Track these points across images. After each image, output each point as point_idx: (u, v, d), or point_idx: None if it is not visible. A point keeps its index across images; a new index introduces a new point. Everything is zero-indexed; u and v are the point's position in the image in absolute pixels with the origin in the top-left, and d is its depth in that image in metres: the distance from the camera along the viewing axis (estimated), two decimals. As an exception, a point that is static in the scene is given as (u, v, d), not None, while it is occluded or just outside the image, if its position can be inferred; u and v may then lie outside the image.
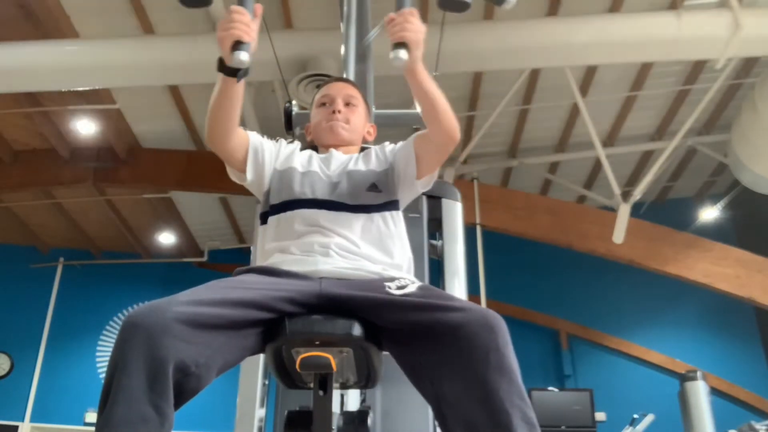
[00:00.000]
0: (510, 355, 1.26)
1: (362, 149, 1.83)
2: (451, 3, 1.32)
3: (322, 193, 1.60)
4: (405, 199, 1.69)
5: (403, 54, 1.28)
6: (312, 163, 1.69)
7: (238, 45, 1.29)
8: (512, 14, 5.05)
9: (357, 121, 1.81)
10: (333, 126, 1.76)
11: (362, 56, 2.65)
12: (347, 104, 1.80)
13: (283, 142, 1.76)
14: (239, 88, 1.46)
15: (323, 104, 1.81)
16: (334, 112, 1.77)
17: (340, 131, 1.76)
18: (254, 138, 1.66)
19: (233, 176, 1.68)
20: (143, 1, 4.86)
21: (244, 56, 1.28)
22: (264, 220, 1.65)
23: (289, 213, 1.59)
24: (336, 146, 1.76)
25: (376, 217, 1.60)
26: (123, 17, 4.89)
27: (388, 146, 1.75)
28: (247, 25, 1.33)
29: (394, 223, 1.62)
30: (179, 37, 4.78)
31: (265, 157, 1.66)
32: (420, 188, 1.68)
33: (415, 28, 1.36)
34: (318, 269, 1.46)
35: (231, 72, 1.41)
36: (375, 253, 1.54)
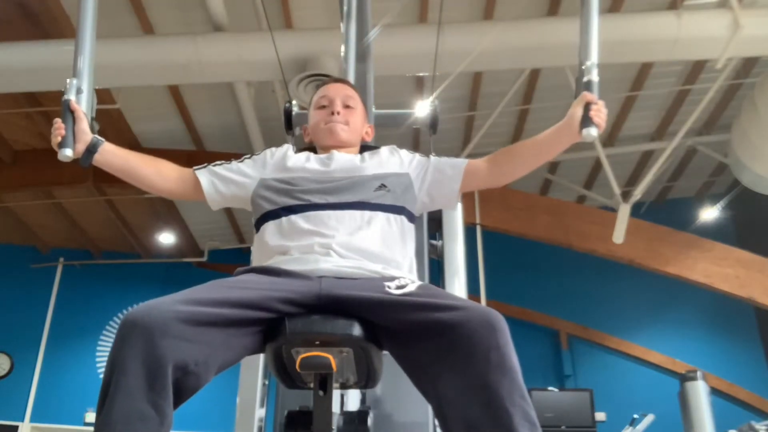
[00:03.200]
0: (511, 353, 1.26)
1: (362, 149, 1.83)
2: None
3: (321, 194, 1.60)
4: (425, 210, 1.80)
5: (595, 132, 1.49)
6: (310, 163, 1.69)
7: (59, 146, 1.56)
8: (512, 14, 5.06)
9: (356, 122, 1.81)
10: (332, 127, 1.75)
11: (362, 56, 2.65)
12: (346, 106, 1.79)
13: (268, 152, 1.76)
14: (106, 162, 1.63)
15: (322, 107, 1.80)
16: (332, 113, 1.77)
17: (339, 132, 1.75)
18: (204, 176, 1.71)
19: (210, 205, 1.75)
20: (143, 1, 4.86)
21: (67, 152, 1.56)
22: (259, 225, 1.64)
23: (290, 217, 1.58)
24: (335, 147, 1.76)
25: (381, 215, 1.59)
26: (123, 17, 4.89)
27: (405, 153, 1.75)
28: (60, 128, 1.56)
29: (398, 225, 1.61)
30: (179, 37, 4.78)
31: (228, 182, 1.71)
32: (453, 206, 1.82)
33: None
34: (318, 267, 1.46)
35: (83, 162, 1.62)
36: (376, 250, 1.53)
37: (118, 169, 1.65)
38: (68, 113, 1.60)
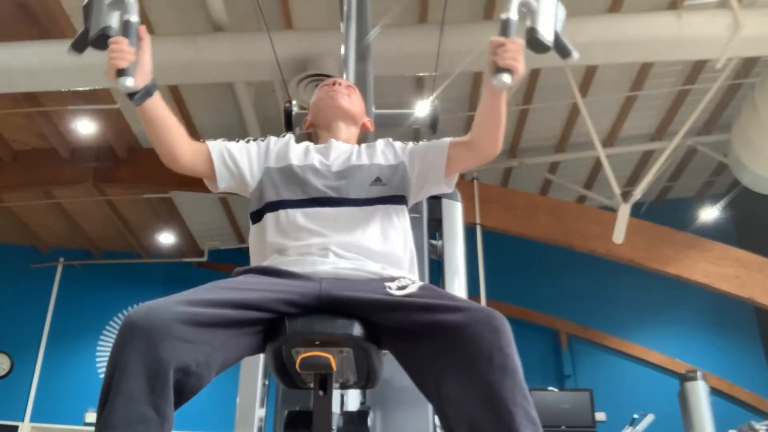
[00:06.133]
0: (513, 354, 1.26)
1: (360, 143, 1.83)
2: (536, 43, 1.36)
3: (320, 189, 1.59)
4: (420, 195, 1.70)
5: (507, 78, 1.34)
6: (309, 155, 1.68)
7: (121, 72, 1.36)
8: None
9: (357, 100, 1.82)
10: (333, 95, 1.77)
11: (362, 56, 2.65)
12: (347, 86, 1.83)
13: (272, 139, 1.74)
14: (153, 109, 1.48)
15: (324, 86, 1.84)
16: (334, 84, 1.80)
17: (341, 100, 1.76)
18: (215, 147, 1.65)
19: (210, 186, 1.68)
20: (143, 1, 4.85)
21: (128, 81, 1.35)
22: (258, 217, 1.63)
23: (288, 211, 1.58)
24: (336, 120, 1.76)
25: (380, 209, 1.59)
26: (123, 17, 4.89)
27: (399, 144, 1.74)
28: (123, 51, 1.37)
29: (398, 218, 1.62)
30: (179, 37, 4.78)
31: (236, 158, 1.65)
32: (446, 187, 1.69)
33: (523, 59, 1.39)
34: (317, 270, 1.46)
35: (132, 97, 1.44)
36: (376, 248, 1.53)
37: (159, 121, 1.51)
38: (135, 39, 1.39)
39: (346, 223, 1.54)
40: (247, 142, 1.71)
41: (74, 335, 7.71)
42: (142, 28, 1.42)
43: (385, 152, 1.71)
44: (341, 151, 1.69)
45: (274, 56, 3.81)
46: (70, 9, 4.77)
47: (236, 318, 1.31)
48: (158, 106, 1.49)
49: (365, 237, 1.54)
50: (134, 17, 1.41)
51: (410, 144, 1.74)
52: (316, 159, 1.66)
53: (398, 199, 1.63)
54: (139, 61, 1.41)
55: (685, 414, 5.53)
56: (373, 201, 1.59)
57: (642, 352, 7.48)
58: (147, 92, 1.44)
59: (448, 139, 1.67)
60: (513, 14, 1.40)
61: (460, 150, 1.63)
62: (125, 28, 1.39)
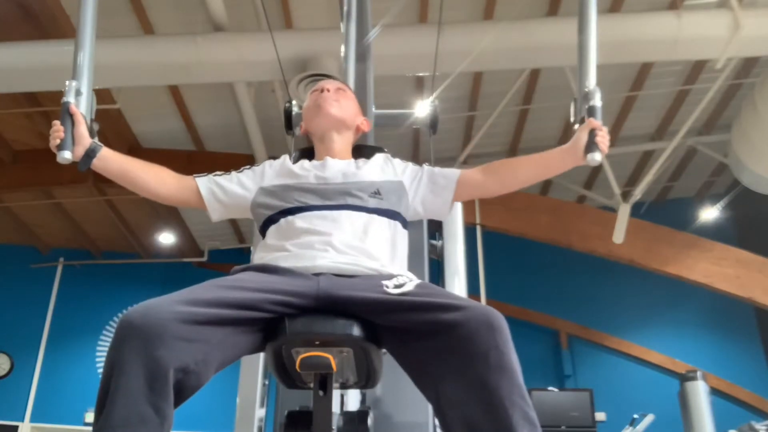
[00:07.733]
0: (510, 353, 1.26)
1: (358, 149, 1.83)
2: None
3: (317, 198, 1.60)
4: (415, 218, 1.73)
5: (599, 157, 1.55)
6: (305, 171, 1.69)
7: (58, 148, 1.58)
8: (512, 14, 5.06)
9: (347, 104, 1.80)
10: (321, 103, 1.76)
11: (362, 56, 2.65)
12: (337, 89, 1.81)
13: (267, 162, 1.77)
14: (104, 168, 1.64)
15: (313, 92, 1.83)
16: (322, 91, 1.79)
17: (328, 107, 1.75)
18: (204, 182, 1.70)
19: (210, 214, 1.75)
20: (143, 1, 4.86)
21: (65, 154, 1.58)
22: (263, 233, 1.65)
23: (289, 218, 1.58)
24: (328, 130, 1.75)
25: (377, 218, 1.59)
26: (123, 17, 4.89)
27: (398, 161, 1.75)
28: (58, 130, 1.58)
29: (392, 230, 1.62)
30: (179, 37, 4.78)
31: (227, 191, 1.70)
32: (450, 211, 1.76)
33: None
34: (315, 264, 1.46)
35: (81, 167, 1.63)
36: (373, 251, 1.53)
37: (116, 175, 1.65)
38: (67, 116, 1.61)
39: (344, 225, 1.55)
40: (240, 172, 1.74)
41: (74, 335, 7.71)
42: (70, 105, 1.62)
43: (384, 168, 1.71)
44: (338, 166, 1.69)
45: (275, 56, 3.80)
46: (70, 9, 4.77)
47: (234, 317, 1.31)
48: (109, 164, 1.64)
49: (362, 240, 1.54)
50: (68, 98, 1.65)
51: (410, 165, 1.75)
52: (312, 174, 1.67)
53: (394, 214, 1.63)
54: (74, 134, 1.59)
55: (685, 414, 5.53)
56: (370, 210, 1.59)
57: (642, 352, 7.48)
58: (88, 157, 1.61)
59: (456, 173, 1.69)
60: (599, 101, 1.63)
61: (470, 184, 1.69)
62: (61, 109, 1.63)
